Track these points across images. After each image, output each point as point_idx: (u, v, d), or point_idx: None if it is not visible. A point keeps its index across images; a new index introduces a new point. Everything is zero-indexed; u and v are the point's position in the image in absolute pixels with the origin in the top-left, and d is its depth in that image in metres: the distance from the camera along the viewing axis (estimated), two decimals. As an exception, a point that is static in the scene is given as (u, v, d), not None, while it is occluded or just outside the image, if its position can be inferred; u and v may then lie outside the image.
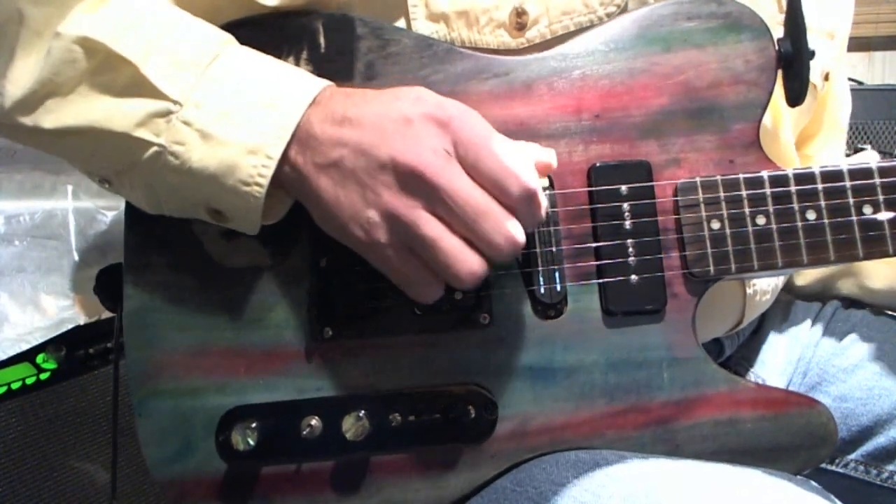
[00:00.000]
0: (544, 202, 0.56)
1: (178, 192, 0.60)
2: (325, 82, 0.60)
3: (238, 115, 0.57)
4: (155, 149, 0.57)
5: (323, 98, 0.58)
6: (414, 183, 0.54)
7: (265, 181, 0.57)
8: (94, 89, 0.57)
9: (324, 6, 0.65)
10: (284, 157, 0.57)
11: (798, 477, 0.60)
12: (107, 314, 1.01)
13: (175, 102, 0.57)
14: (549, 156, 0.59)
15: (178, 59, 0.57)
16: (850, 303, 0.90)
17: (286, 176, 0.58)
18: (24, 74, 0.57)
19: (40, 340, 0.94)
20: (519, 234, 0.55)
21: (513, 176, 0.54)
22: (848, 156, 0.92)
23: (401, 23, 0.67)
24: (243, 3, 0.64)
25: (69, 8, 0.57)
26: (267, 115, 0.57)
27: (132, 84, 0.57)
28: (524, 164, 0.55)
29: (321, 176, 0.57)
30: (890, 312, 0.87)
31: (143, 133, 0.57)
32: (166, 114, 0.57)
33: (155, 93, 0.57)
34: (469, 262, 0.55)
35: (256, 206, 0.58)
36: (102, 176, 0.64)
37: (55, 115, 0.58)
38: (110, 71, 0.57)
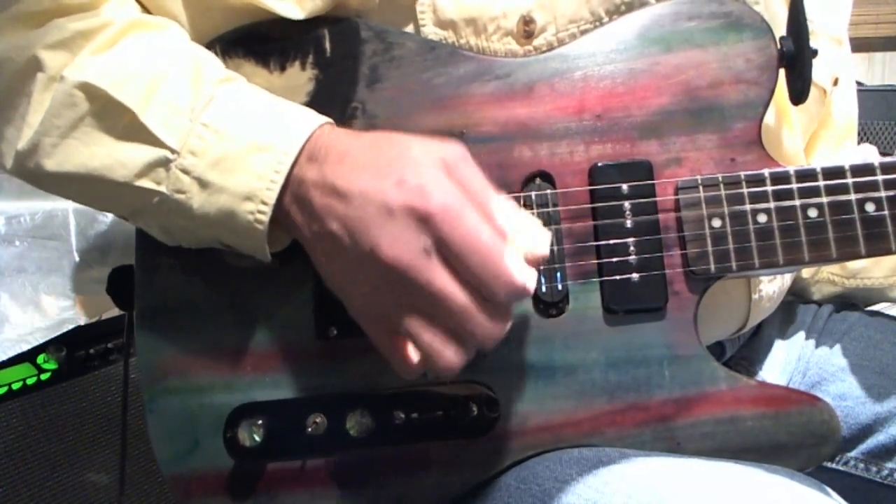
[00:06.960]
0: (532, 286, 0.53)
1: (189, 232, 0.61)
2: (319, 119, 0.59)
3: (233, 161, 0.57)
4: (158, 197, 0.58)
5: (318, 148, 0.57)
6: (395, 279, 0.53)
7: (263, 226, 0.57)
8: (93, 134, 0.58)
9: (340, 14, 0.66)
10: (281, 203, 0.57)
11: (801, 474, 0.60)
12: (107, 314, 1.02)
13: (173, 151, 0.57)
14: (541, 241, 0.55)
15: (175, 105, 0.58)
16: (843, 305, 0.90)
17: (285, 221, 0.58)
18: (36, 118, 0.58)
19: (41, 341, 0.94)
20: (501, 332, 0.54)
21: (499, 280, 0.52)
22: None
23: (409, 29, 0.67)
24: (263, 15, 0.64)
25: (81, 49, 0.58)
26: (261, 159, 0.57)
27: (131, 130, 0.57)
28: (512, 261, 0.52)
29: (318, 244, 0.57)
30: (887, 312, 0.86)
31: (144, 183, 0.58)
32: (165, 163, 0.57)
33: (153, 140, 0.57)
34: (446, 358, 0.54)
35: (261, 246, 0.59)
36: (120, 215, 0.65)
37: (55, 160, 0.58)
38: (110, 117, 0.58)
